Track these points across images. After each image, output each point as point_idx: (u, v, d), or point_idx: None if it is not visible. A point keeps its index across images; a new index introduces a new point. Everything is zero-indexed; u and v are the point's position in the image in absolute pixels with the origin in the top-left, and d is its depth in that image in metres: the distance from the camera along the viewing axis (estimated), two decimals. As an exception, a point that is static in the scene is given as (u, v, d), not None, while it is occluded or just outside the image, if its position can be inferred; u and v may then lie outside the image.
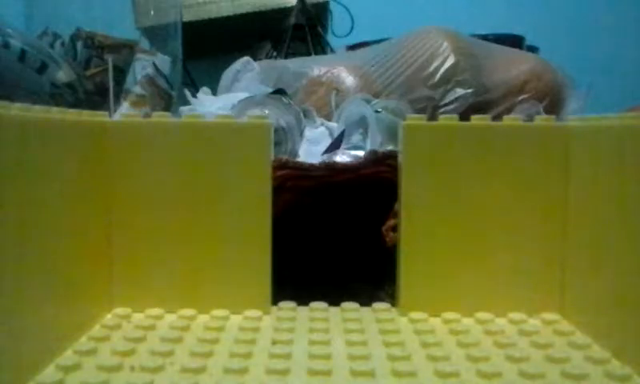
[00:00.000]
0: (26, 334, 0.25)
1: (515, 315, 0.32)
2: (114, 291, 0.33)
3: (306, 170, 0.39)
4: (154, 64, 0.69)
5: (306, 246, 0.39)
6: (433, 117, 0.38)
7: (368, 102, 0.57)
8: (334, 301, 0.34)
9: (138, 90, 0.66)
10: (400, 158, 0.33)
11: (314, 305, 0.34)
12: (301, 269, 0.38)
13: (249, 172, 0.33)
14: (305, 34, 0.97)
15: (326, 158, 0.47)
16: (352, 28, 1.10)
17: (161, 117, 0.33)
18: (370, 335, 0.29)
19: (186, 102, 0.64)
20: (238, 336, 0.29)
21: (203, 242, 0.33)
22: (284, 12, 0.99)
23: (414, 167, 0.33)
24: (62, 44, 0.71)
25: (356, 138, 0.52)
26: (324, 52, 0.98)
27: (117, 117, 0.51)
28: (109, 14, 0.79)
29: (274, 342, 0.28)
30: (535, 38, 0.94)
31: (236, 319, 0.32)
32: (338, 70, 0.67)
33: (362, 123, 0.52)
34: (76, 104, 0.64)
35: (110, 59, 0.69)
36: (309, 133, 0.55)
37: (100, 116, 0.33)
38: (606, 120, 0.30)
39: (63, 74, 0.64)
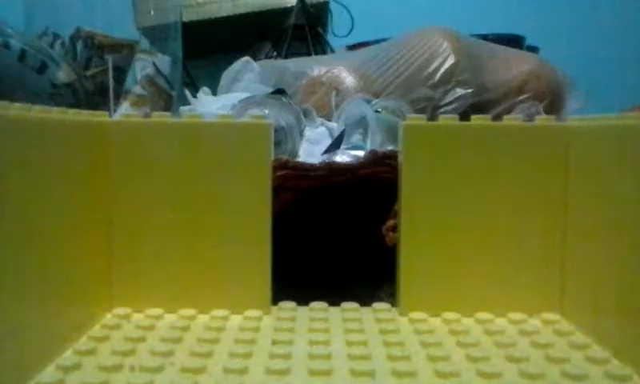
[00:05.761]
0: (27, 334, 0.25)
1: (515, 315, 0.32)
2: (114, 291, 0.33)
3: (306, 170, 0.39)
4: (154, 64, 0.69)
5: (305, 245, 0.39)
6: (433, 117, 0.38)
7: (368, 102, 0.57)
8: (334, 301, 0.34)
9: (138, 89, 0.66)
10: (400, 158, 0.33)
11: (314, 305, 0.34)
12: (301, 269, 0.38)
13: (249, 172, 0.33)
14: (305, 33, 0.97)
15: (326, 157, 0.47)
16: (352, 28, 1.10)
17: (161, 117, 0.33)
18: (370, 335, 0.29)
19: (186, 102, 0.64)
20: (238, 336, 0.29)
21: (203, 241, 0.33)
22: (284, 12, 0.99)
23: (414, 167, 0.33)
24: (62, 44, 0.71)
25: (356, 138, 0.52)
26: (324, 52, 0.98)
27: (117, 117, 0.51)
28: (109, 13, 0.79)
29: (274, 342, 0.28)
30: (535, 38, 0.94)
31: (236, 319, 0.32)
32: (338, 69, 0.67)
33: (362, 123, 0.52)
34: (76, 104, 0.64)
35: (109, 59, 0.69)
36: (309, 133, 0.55)
37: (100, 116, 0.33)
38: (606, 120, 0.30)
39: (63, 74, 0.64)
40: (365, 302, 0.34)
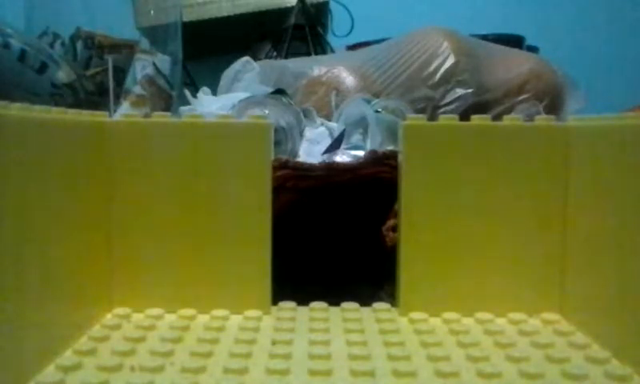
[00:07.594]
0: (26, 334, 0.25)
1: (515, 315, 0.32)
2: (113, 291, 0.33)
3: (306, 170, 0.39)
4: (154, 64, 0.69)
5: (305, 245, 0.39)
6: (433, 117, 0.38)
7: (368, 102, 0.57)
8: (334, 301, 0.34)
9: (138, 89, 0.66)
10: (400, 158, 0.33)
11: (314, 305, 0.34)
12: (301, 269, 0.38)
13: (249, 172, 0.33)
14: (305, 33, 0.97)
15: (326, 157, 0.47)
16: (352, 28, 1.10)
17: (161, 117, 0.33)
18: (370, 335, 0.29)
19: (186, 102, 0.64)
20: (238, 336, 0.29)
21: (203, 241, 0.33)
22: (284, 12, 0.99)
23: (414, 167, 0.33)
24: (62, 44, 0.72)
25: (356, 138, 0.52)
26: (324, 52, 0.98)
27: (117, 117, 0.51)
28: (109, 13, 0.79)
29: (274, 342, 0.28)
30: (535, 38, 0.94)
31: (236, 319, 0.32)
32: (338, 69, 0.67)
33: (362, 123, 0.52)
34: (76, 104, 0.64)
35: (110, 59, 0.69)
36: (309, 133, 0.55)
37: (100, 116, 0.33)
38: (605, 120, 0.30)
39: (63, 74, 0.64)
40: (365, 301, 0.34)
